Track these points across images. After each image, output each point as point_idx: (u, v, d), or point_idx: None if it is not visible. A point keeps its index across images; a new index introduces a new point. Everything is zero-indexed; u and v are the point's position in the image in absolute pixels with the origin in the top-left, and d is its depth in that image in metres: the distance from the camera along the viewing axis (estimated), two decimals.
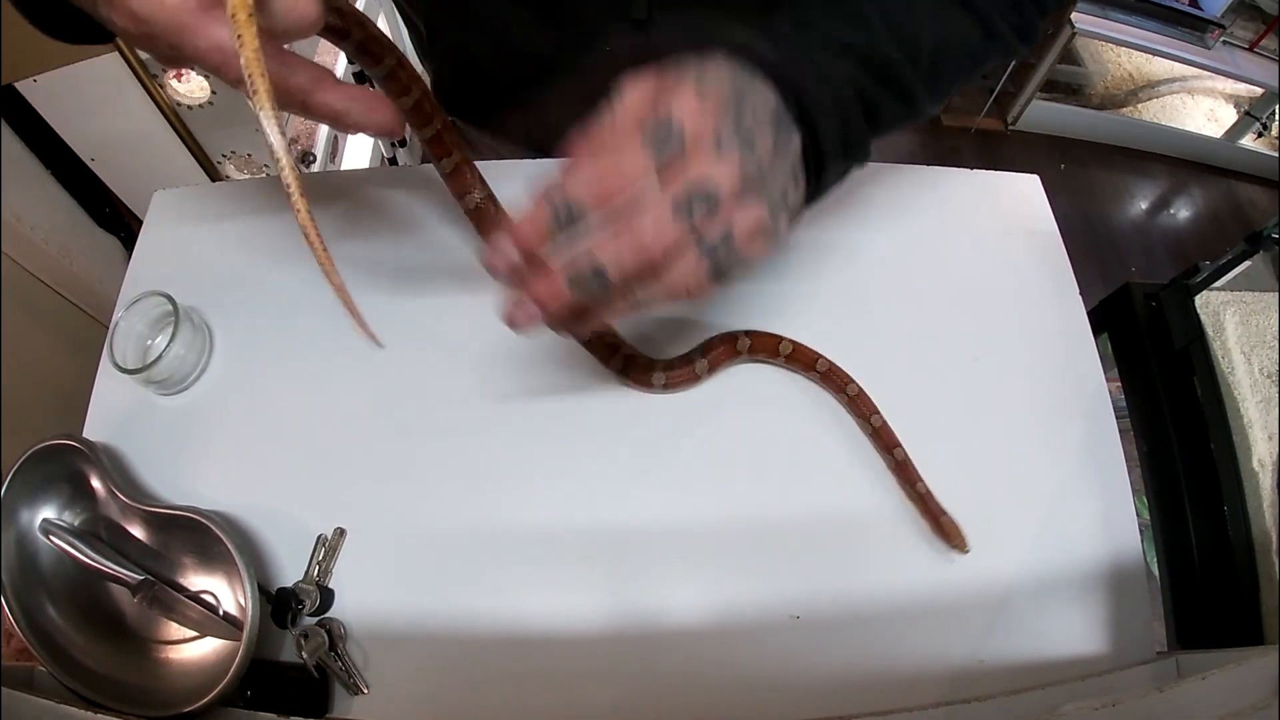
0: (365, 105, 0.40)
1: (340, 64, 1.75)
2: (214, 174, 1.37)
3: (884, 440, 0.64)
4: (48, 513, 0.58)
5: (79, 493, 0.59)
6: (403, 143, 1.98)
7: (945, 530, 0.61)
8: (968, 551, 0.61)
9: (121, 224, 1.29)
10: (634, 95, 0.39)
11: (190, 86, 1.19)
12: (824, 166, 0.45)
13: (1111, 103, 2.68)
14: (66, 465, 0.58)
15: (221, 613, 0.57)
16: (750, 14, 0.71)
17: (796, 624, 0.59)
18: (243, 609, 0.54)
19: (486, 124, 0.82)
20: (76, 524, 0.59)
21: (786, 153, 0.42)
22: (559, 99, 0.74)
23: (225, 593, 0.58)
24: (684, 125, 0.37)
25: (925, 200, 0.78)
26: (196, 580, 0.59)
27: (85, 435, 0.64)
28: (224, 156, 1.37)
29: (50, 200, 1.06)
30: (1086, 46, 2.71)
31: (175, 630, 0.58)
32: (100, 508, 0.60)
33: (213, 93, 1.21)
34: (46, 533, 0.57)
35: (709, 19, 0.47)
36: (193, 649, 0.58)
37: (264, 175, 1.38)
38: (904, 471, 0.63)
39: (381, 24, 2.01)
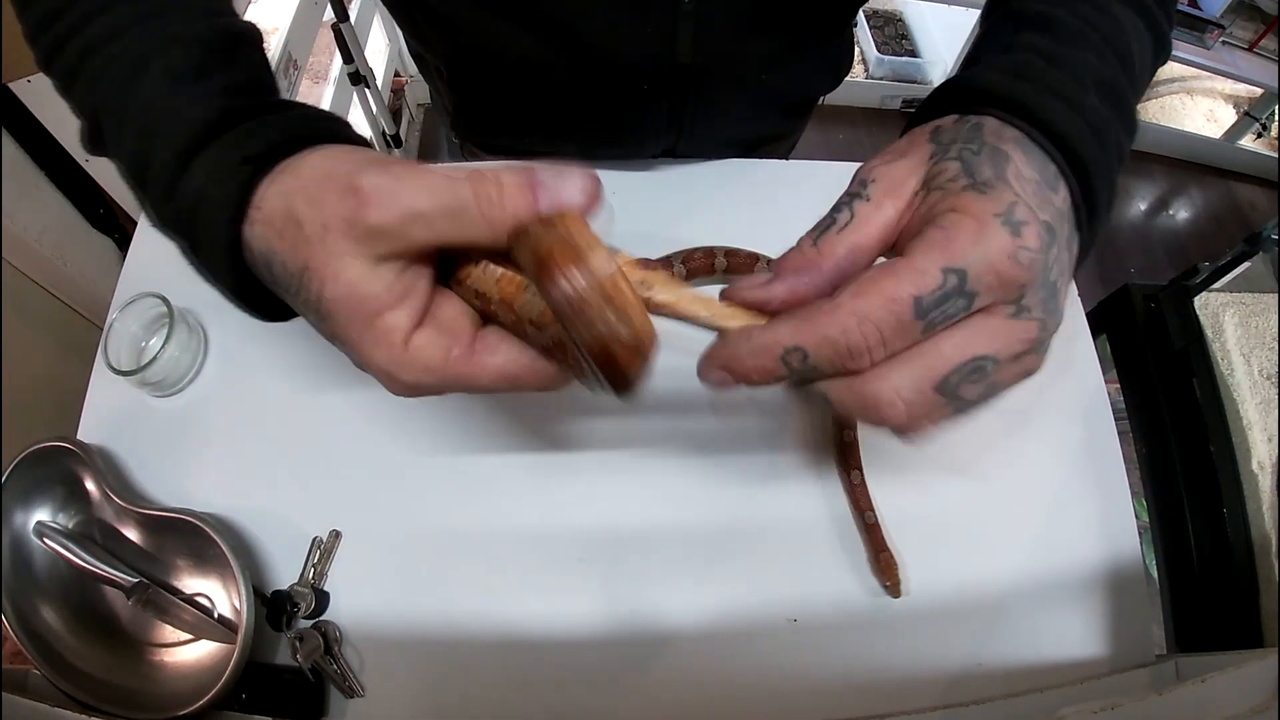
0: None
1: (336, 64, 1.75)
2: None
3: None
4: (42, 515, 0.58)
5: (73, 495, 0.59)
6: (397, 143, 1.98)
7: (883, 567, 0.60)
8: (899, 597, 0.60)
9: (116, 225, 1.29)
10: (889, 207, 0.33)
11: None
12: (1089, 246, 0.37)
13: None
14: (60, 468, 0.58)
15: (216, 615, 0.57)
16: (808, 61, 0.68)
17: (794, 627, 0.59)
18: (237, 612, 0.54)
19: (507, 152, 0.81)
20: (71, 527, 0.59)
21: (1074, 259, 0.35)
22: (594, 139, 0.74)
23: (220, 595, 0.58)
24: (977, 287, 0.30)
25: None
26: (191, 583, 0.59)
27: (80, 437, 0.63)
28: None
29: (44, 201, 1.05)
30: None
31: (170, 633, 0.58)
32: (94, 510, 0.59)
33: None
34: (40, 535, 0.57)
35: (955, 77, 0.38)
36: (187, 652, 0.57)
37: None
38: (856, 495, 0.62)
39: (379, 35, 2.01)
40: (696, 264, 0.67)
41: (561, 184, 0.30)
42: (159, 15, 0.37)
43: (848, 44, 0.76)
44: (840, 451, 0.64)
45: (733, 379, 0.33)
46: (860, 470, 0.63)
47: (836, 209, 0.34)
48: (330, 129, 0.36)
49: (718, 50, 0.63)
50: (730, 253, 0.68)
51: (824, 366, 0.31)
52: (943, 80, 0.39)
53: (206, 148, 0.34)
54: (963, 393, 0.31)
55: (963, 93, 0.36)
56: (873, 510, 0.62)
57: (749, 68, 0.68)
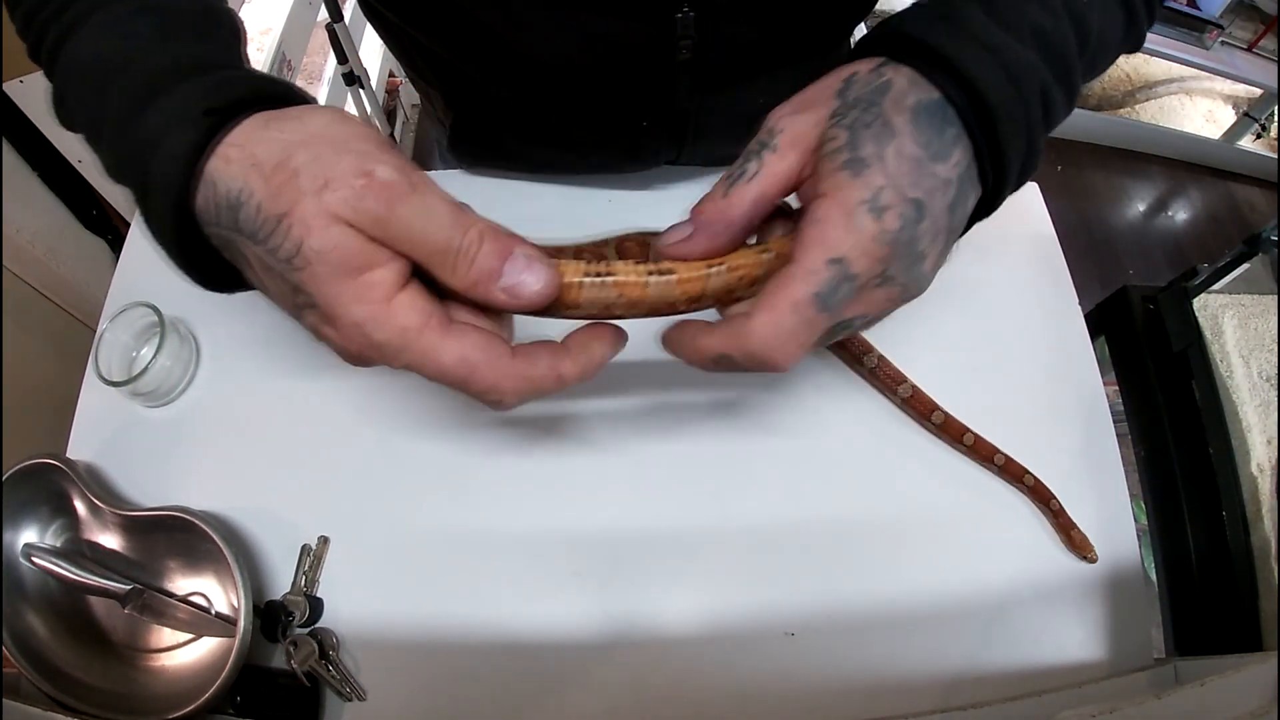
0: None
1: (330, 65, 1.74)
2: None
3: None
4: (29, 536, 0.58)
5: (59, 512, 0.59)
6: (392, 142, 1.98)
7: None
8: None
9: (109, 226, 1.28)
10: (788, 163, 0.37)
11: None
12: (998, 199, 0.41)
13: (1109, 103, 2.68)
14: (45, 485, 0.58)
15: (214, 612, 0.57)
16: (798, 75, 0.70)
17: (791, 630, 0.59)
18: (234, 607, 0.54)
19: (504, 169, 0.81)
20: (59, 544, 0.59)
21: (955, 225, 0.38)
22: (592, 165, 0.75)
23: (216, 592, 0.58)
24: (856, 269, 0.34)
25: None
26: (185, 583, 0.59)
27: (71, 447, 0.63)
28: None
29: (37, 202, 1.05)
30: None
31: (167, 637, 0.58)
32: (82, 524, 0.59)
33: None
34: (28, 557, 0.56)
35: (887, 19, 0.39)
36: (185, 654, 0.57)
37: None
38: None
39: (373, 35, 2.01)
40: (629, 250, 0.67)
41: (527, 274, 0.33)
42: None
43: (847, 57, 0.76)
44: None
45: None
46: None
47: (746, 158, 0.37)
48: (301, 95, 0.37)
49: (716, 97, 0.63)
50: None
51: (750, 368, 0.36)
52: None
53: (169, 90, 0.34)
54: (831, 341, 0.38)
55: (889, 36, 0.38)
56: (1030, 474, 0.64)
57: (748, 107, 0.69)
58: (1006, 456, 0.64)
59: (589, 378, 0.37)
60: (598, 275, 0.35)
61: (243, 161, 0.32)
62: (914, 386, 0.65)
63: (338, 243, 0.31)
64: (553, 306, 0.35)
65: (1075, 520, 0.62)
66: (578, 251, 0.66)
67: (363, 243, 0.32)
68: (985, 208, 0.41)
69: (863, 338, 0.66)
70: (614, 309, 0.36)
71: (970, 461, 0.65)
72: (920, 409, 0.65)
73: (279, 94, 0.36)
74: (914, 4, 0.39)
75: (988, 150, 0.36)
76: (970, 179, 0.37)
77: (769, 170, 0.37)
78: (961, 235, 0.41)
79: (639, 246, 0.67)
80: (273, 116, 0.33)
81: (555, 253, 0.61)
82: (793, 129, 0.37)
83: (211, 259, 0.36)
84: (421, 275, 0.34)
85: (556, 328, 0.36)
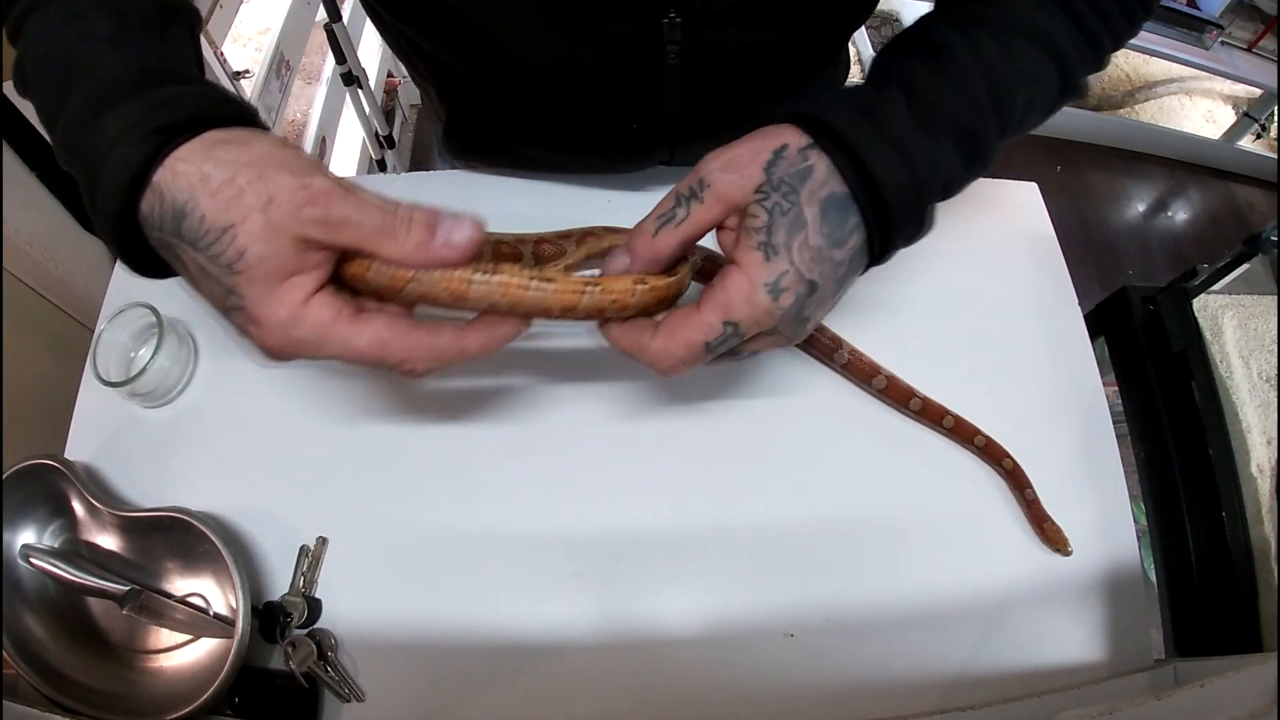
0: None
1: (328, 65, 1.74)
2: None
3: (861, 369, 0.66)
4: (26, 537, 0.57)
5: (58, 512, 0.59)
6: (390, 143, 1.97)
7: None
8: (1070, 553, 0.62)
9: None
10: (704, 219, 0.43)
11: None
12: (882, 261, 0.47)
13: (1108, 104, 2.68)
14: (43, 486, 0.58)
15: (212, 613, 0.57)
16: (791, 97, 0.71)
17: (791, 631, 0.59)
18: (232, 608, 0.54)
19: (499, 166, 0.81)
20: (57, 545, 0.58)
21: (843, 289, 0.45)
22: (586, 164, 0.75)
23: (214, 592, 0.58)
24: (746, 330, 0.42)
25: None
26: (183, 583, 0.59)
27: (69, 448, 0.63)
28: None
29: (35, 203, 1.05)
30: None
31: (165, 638, 0.58)
32: (80, 525, 0.59)
33: None
34: (26, 558, 0.56)
35: (827, 99, 0.45)
36: (183, 655, 0.57)
37: None
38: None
39: (371, 35, 2.00)
40: (588, 242, 0.68)
41: (455, 226, 0.38)
42: None
43: (843, 63, 0.76)
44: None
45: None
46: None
47: (677, 201, 0.43)
48: (244, 114, 0.41)
49: (707, 103, 0.64)
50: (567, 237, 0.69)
51: (646, 365, 0.44)
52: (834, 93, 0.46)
53: (117, 105, 0.37)
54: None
55: (817, 122, 0.43)
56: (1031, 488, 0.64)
57: (739, 113, 0.69)
58: (987, 438, 0.64)
59: (491, 352, 0.42)
60: (485, 273, 0.39)
61: (191, 176, 0.36)
62: (888, 377, 0.66)
63: (275, 251, 0.36)
64: (450, 302, 0.39)
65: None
66: (539, 240, 0.67)
67: (292, 254, 0.37)
68: (874, 264, 0.47)
69: (832, 333, 0.67)
70: (499, 306, 0.40)
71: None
72: (897, 396, 0.66)
73: (226, 114, 0.39)
74: (851, 90, 0.45)
75: (879, 234, 0.43)
76: (861, 255, 0.44)
77: (695, 219, 0.42)
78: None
79: (598, 239, 0.68)
80: (219, 139, 0.38)
81: (517, 242, 0.66)
82: (719, 186, 0.42)
83: (147, 253, 0.40)
84: (336, 282, 0.39)
85: None
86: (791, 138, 0.42)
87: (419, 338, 0.39)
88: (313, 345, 0.38)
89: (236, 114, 0.40)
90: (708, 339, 0.42)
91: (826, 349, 0.66)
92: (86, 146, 0.38)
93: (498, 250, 0.66)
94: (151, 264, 0.41)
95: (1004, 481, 0.65)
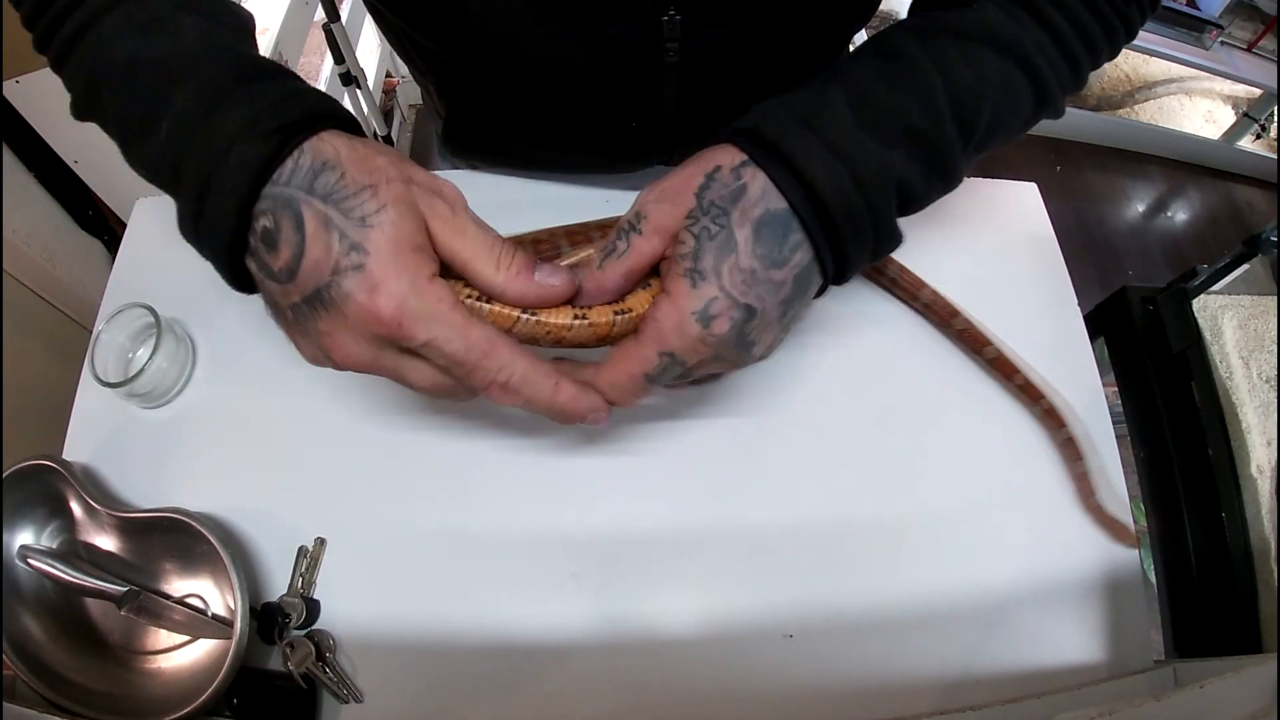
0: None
1: (327, 65, 1.74)
2: None
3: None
4: (25, 538, 0.57)
5: (56, 513, 0.59)
6: (389, 143, 1.97)
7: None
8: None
9: (105, 227, 1.28)
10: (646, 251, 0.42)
11: None
12: (842, 279, 0.45)
13: (1108, 104, 2.68)
14: (41, 486, 0.58)
15: (210, 614, 0.57)
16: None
17: (790, 632, 0.59)
18: (230, 609, 0.54)
19: (497, 164, 0.81)
20: (55, 546, 0.58)
21: (796, 309, 0.44)
22: (584, 164, 0.75)
23: (212, 593, 0.58)
24: (683, 359, 0.42)
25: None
26: (181, 584, 0.58)
27: (67, 448, 0.63)
28: None
29: (33, 203, 1.05)
30: None
31: (164, 639, 0.57)
32: (78, 526, 0.59)
33: None
34: (24, 559, 0.56)
35: (759, 110, 0.44)
36: (181, 656, 0.57)
37: None
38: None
39: (370, 35, 2.00)
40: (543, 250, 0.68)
41: (552, 273, 0.40)
42: None
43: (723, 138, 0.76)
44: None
45: None
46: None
47: (619, 234, 0.43)
48: (356, 122, 0.42)
49: (706, 102, 0.63)
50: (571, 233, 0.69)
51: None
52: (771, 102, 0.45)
53: (236, 92, 0.38)
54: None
55: (750, 133, 0.42)
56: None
57: (739, 110, 0.69)
58: (1049, 403, 0.65)
59: (569, 414, 0.42)
60: (477, 299, 0.40)
61: (338, 145, 0.38)
62: (934, 292, 0.67)
63: (409, 222, 0.37)
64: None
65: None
66: (568, 233, 0.67)
67: (423, 233, 0.38)
68: (833, 283, 0.46)
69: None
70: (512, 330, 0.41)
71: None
72: (941, 314, 0.67)
73: (343, 118, 0.41)
74: (788, 96, 0.44)
75: (829, 249, 0.42)
76: (810, 275, 0.42)
77: (635, 251, 0.42)
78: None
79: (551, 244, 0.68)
80: (358, 134, 0.40)
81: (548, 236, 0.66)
82: (656, 217, 0.42)
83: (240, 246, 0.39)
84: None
85: None
86: (726, 158, 0.42)
87: (524, 357, 0.40)
88: (425, 320, 0.37)
89: (351, 121, 0.42)
90: (645, 370, 0.42)
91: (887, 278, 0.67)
92: (201, 139, 0.37)
93: (538, 249, 0.66)
94: (243, 248, 0.40)
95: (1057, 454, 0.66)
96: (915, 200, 0.45)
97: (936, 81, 0.43)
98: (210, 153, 0.36)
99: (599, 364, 0.43)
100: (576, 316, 0.42)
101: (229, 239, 0.38)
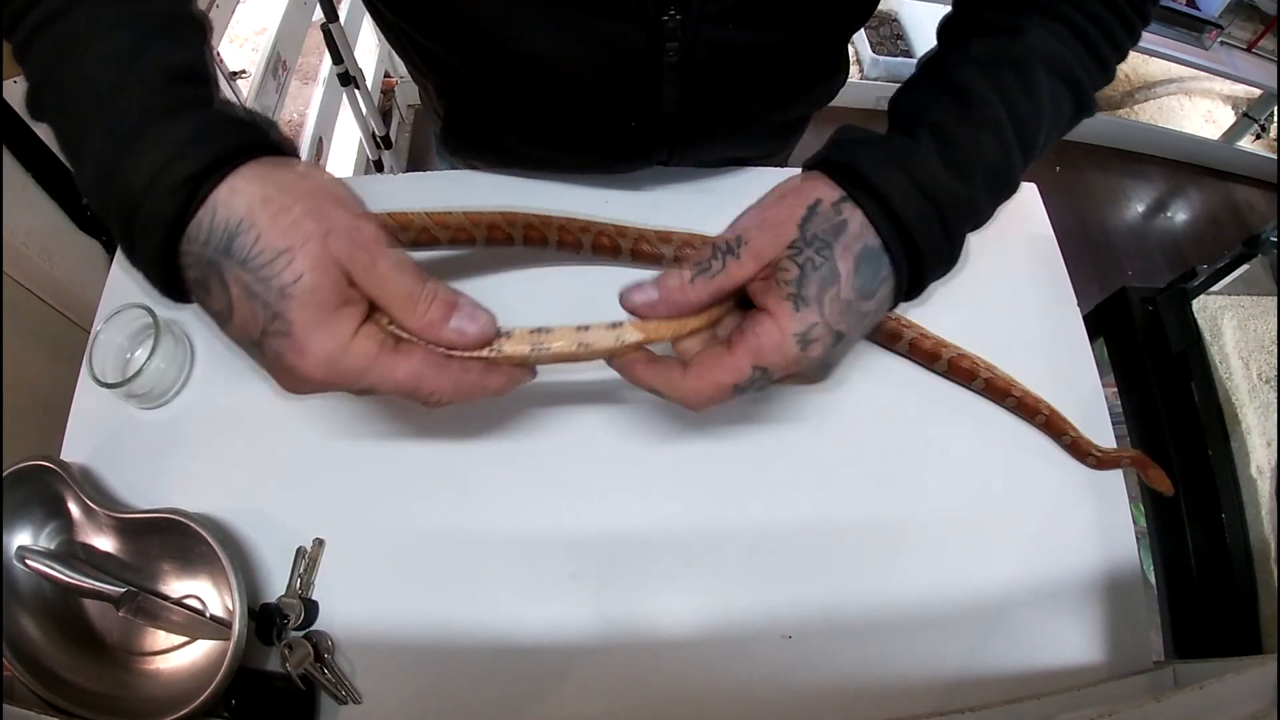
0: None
1: (325, 65, 1.74)
2: None
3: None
4: (22, 539, 0.57)
5: (54, 514, 0.58)
6: (387, 144, 1.97)
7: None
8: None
9: (103, 228, 1.27)
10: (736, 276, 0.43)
11: None
12: (915, 294, 0.47)
13: (1107, 104, 2.68)
14: (40, 487, 0.58)
15: (209, 615, 0.57)
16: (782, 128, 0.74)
17: (789, 633, 0.59)
18: (228, 610, 0.54)
19: (495, 163, 0.81)
20: (53, 547, 0.58)
21: (865, 332, 0.47)
22: (581, 164, 0.75)
23: (210, 594, 0.58)
24: (774, 375, 0.43)
25: None
26: (179, 585, 0.58)
27: (65, 450, 0.63)
28: None
29: (30, 203, 1.04)
30: None
31: (162, 640, 0.57)
32: (76, 527, 0.59)
33: None
34: (23, 559, 0.56)
35: (846, 136, 0.46)
36: (180, 657, 0.57)
37: None
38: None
39: (368, 35, 2.00)
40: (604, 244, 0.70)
41: (470, 318, 0.41)
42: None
43: (843, 65, 0.76)
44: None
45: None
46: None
47: (714, 255, 0.43)
48: (279, 140, 0.41)
49: (705, 102, 0.64)
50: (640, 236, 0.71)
51: (670, 402, 0.45)
52: (841, 133, 0.47)
53: (145, 135, 0.37)
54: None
55: (845, 170, 0.43)
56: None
57: (738, 114, 0.70)
58: (1021, 393, 0.66)
59: (508, 390, 0.44)
60: (495, 350, 0.42)
61: (251, 195, 0.37)
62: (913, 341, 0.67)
63: (331, 282, 0.37)
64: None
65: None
66: (560, 228, 0.69)
67: (345, 285, 0.38)
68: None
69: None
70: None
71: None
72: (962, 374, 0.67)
73: (274, 143, 0.40)
74: (878, 137, 0.46)
75: (909, 281, 0.44)
76: (888, 302, 0.45)
77: (730, 273, 0.43)
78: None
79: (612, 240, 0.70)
80: (278, 165, 0.39)
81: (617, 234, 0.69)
82: (757, 244, 0.43)
83: (176, 273, 0.40)
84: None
85: None
86: (825, 191, 0.43)
87: (452, 372, 0.41)
88: (356, 375, 0.39)
89: (278, 144, 0.41)
90: (737, 381, 0.43)
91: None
92: (117, 189, 0.37)
93: (598, 241, 0.69)
94: (178, 285, 0.41)
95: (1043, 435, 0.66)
96: (981, 222, 0.48)
97: (1004, 115, 0.46)
98: (126, 204, 0.36)
99: (684, 369, 0.44)
100: (491, 349, 0.42)
101: (163, 285, 0.40)
